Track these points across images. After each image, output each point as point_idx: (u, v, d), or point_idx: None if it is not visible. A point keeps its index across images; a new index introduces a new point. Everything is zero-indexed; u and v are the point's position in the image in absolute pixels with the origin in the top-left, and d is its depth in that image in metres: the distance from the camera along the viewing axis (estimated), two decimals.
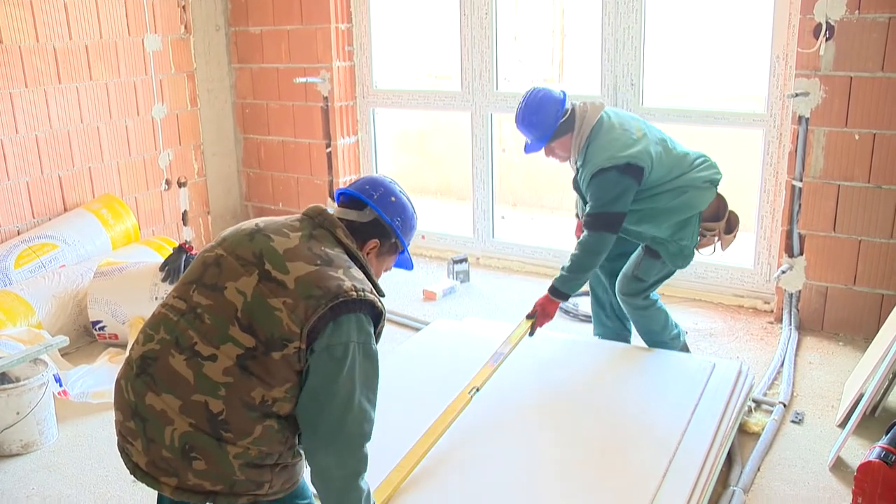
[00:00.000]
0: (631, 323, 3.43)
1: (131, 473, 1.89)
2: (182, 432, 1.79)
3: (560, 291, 3.13)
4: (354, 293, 1.85)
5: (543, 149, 3.19)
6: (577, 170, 3.22)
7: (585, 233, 3.12)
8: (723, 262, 4.26)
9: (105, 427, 3.10)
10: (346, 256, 1.96)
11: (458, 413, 2.66)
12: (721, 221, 3.25)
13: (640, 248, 3.30)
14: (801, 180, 3.76)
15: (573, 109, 3.15)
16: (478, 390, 2.77)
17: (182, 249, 3.95)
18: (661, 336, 3.31)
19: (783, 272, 3.89)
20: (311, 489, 2.06)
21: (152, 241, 4.52)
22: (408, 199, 2.15)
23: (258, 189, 5.62)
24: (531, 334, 3.16)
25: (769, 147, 3.99)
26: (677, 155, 3.19)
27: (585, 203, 3.17)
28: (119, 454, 1.93)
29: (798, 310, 3.91)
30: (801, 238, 3.84)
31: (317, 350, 1.82)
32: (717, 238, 3.29)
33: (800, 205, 3.79)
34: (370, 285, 1.93)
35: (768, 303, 4.13)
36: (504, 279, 4.75)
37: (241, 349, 1.81)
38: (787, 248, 3.89)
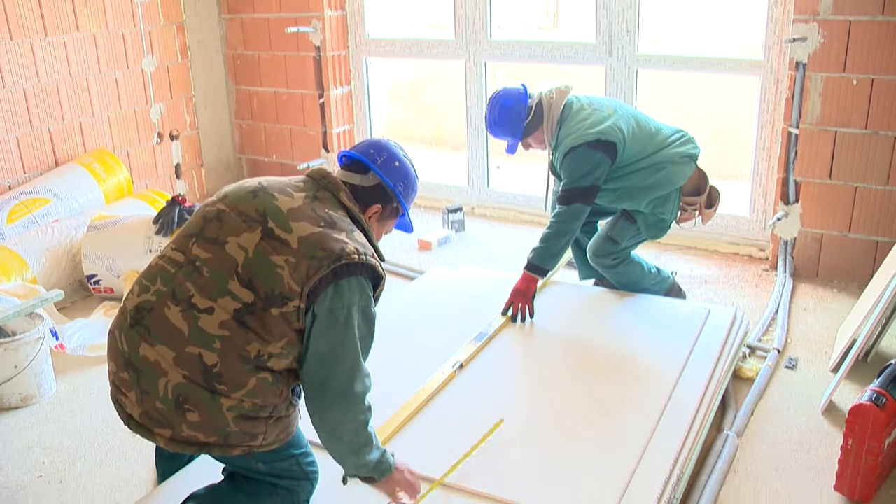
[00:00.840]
0: None
1: (125, 424, 1.90)
2: (175, 384, 1.79)
3: (538, 267, 3.12)
4: (356, 256, 1.86)
5: (522, 144, 3.28)
6: (552, 154, 3.26)
7: (558, 207, 3.13)
8: (719, 210, 4.24)
9: (102, 379, 3.08)
10: (348, 220, 1.97)
11: (441, 388, 2.65)
12: (702, 196, 3.24)
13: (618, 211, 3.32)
14: (797, 127, 3.74)
15: (539, 102, 3.19)
16: (462, 366, 2.77)
17: (175, 202, 3.93)
18: (642, 284, 3.33)
19: (778, 219, 3.88)
20: (309, 438, 2.08)
21: (145, 195, 4.50)
22: (411, 163, 2.17)
23: (251, 141, 5.58)
24: (514, 320, 3.09)
25: (766, 94, 3.95)
26: (651, 131, 3.19)
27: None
28: (113, 405, 1.94)
29: (793, 257, 3.92)
30: (797, 185, 3.82)
31: (319, 314, 1.83)
32: (697, 212, 3.29)
33: (796, 152, 3.77)
34: (371, 249, 1.94)
35: (763, 250, 4.13)
36: (499, 228, 4.74)
37: (240, 304, 1.81)
38: (782, 195, 3.88)
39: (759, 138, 4.04)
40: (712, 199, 3.30)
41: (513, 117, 3.18)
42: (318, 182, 2.02)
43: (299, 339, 1.86)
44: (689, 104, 4.92)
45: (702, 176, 3.26)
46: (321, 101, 5.15)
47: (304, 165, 5.15)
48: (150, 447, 2.56)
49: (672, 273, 3.51)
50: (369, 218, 2.08)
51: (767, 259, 4.07)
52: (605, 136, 3.04)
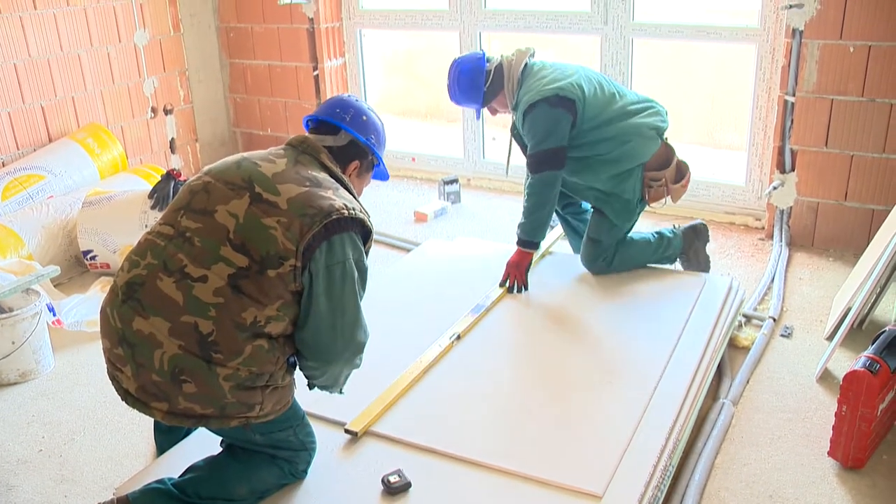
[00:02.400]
0: None
1: (122, 400, 1.91)
2: (171, 355, 1.80)
3: (528, 241, 3.10)
4: (346, 211, 1.90)
5: (488, 110, 3.26)
6: (513, 115, 3.21)
7: (529, 177, 3.07)
8: (714, 180, 4.25)
9: (100, 354, 3.06)
10: (332, 179, 2.01)
11: (438, 359, 2.66)
12: (668, 169, 3.13)
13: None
14: (793, 95, 3.72)
15: (499, 65, 3.14)
16: (459, 337, 2.78)
17: (170, 176, 3.91)
18: (650, 260, 3.28)
19: (774, 188, 3.88)
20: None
21: (140, 170, 4.47)
22: (375, 114, 2.22)
23: (246, 115, 5.54)
24: (511, 291, 3.10)
25: (762, 62, 3.93)
26: (614, 95, 3.11)
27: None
28: (110, 382, 1.95)
29: (789, 226, 3.92)
30: (793, 154, 3.81)
31: (315, 272, 1.86)
32: (665, 189, 3.17)
33: (792, 120, 3.76)
34: (358, 204, 1.99)
35: (759, 219, 4.13)
36: (495, 199, 4.73)
37: (234, 268, 1.83)
38: (778, 164, 3.87)
39: (755, 107, 4.02)
40: (681, 173, 3.20)
41: (472, 83, 3.15)
42: (298, 147, 2.07)
43: (294, 300, 1.89)
44: (685, 73, 4.90)
45: (668, 150, 3.16)
46: (315, 73, 5.12)
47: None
48: (148, 421, 2.58)
49: (675, 227, 3.37)
50: (349, 176, 2.13)
51: (763, 228, 4.07)
52: (563, 91, 2.97)
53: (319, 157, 2.05)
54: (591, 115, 3.03)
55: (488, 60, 3.17)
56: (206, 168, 2.03)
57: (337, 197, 1.93)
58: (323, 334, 1.91)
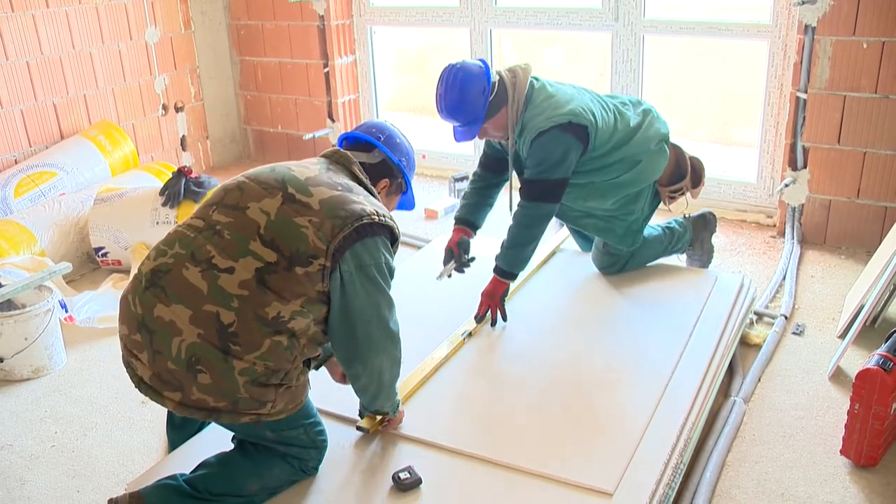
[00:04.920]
0: None
1: (136, 387, 1.94)
2: (189, 343, 1.82)
3: (507, 272, 2.83)
4: (377, 217, 1.98)
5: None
6: (515, 143, 2.87)
7: (521, 203, 2.80)
8: (725, 177, 4.23)
9: (112, 351, 3.13)
10: (362, 189, 2.09)
11: (449, 356, 2.66)
12: (686, 179, 3.03)
13: None
14: (805, 92, 3.69)
15: (500, 80, 2.78)
16: (470, 335, 2.78)
17: (181, 173, 3.93)
18: (662, 256, 3.25)
19: (786, 186, 3.86)
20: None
21: (151, 167, 4.49)
22: (408, 140, 2.31)
23: (256, 112, 5.55)
24: (493, 324, 2.84)
25: (774, 58, 3.91)
26: (616, 115, 2.89)
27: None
28: (125, 369, 1.96)
29: (801, 224, 3.90)
30: (805, 151, 3.79)
31: (348, 273, 1.92)
32: (686, 193, 3.08)
33: (804, 117, 3.73)
34: (388, 211, 2.06)
35: (771, 217, 4.11)
36: (505, 196, 4.69)
37: (262, 263, 1.86)
38: (790, 161, 3.85)
39: (767, 104, 4.00)
40: (698, 175, 3.08)
41: (475, 93, 2.71)
42: (331, 158, 2.15)
43: (319, 299, 1.92)
44: (696, 70, 4.88)
45: (677, 154, 3.03)
46: (326, 70, 5.12)
47: (309, 136, 5.14)
48: (160, 417, 2.59)
49: (684, 217, 3.30)
50: (379, 193, 2.20)
51: (775, 226, 4.05)
52: (577, 118, 2.72)
53: (351, 167, 2.13)
54: (601, 141, 2.83)
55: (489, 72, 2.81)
56: (242, 174, 2.11)
57: (368, 202, 2.00)
58: (361, 332, 1.97)
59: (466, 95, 2.72)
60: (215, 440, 2.20)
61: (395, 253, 2.09)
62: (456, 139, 2.85)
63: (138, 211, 3.84)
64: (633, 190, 2.97)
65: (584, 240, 3.41)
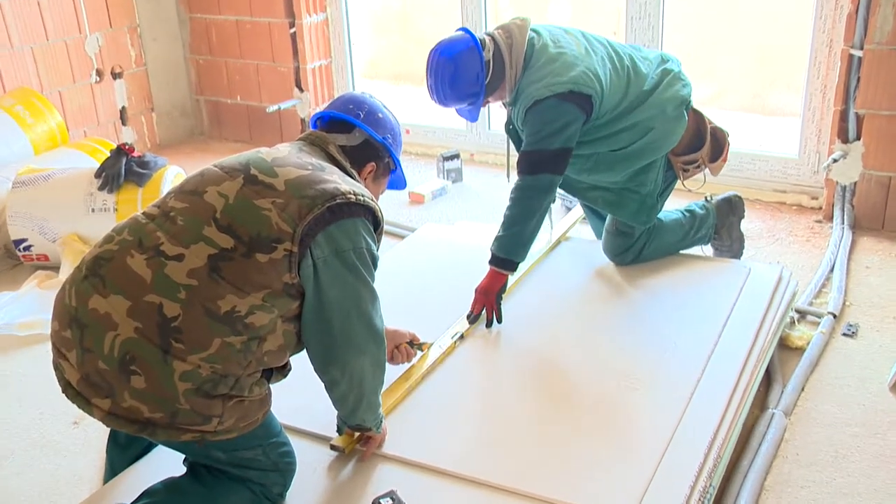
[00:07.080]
0: None
1: (63, 392, 1.94)
2: (125, 339, 1.82)
3: (506, 260, 2.84)
4: (353, 196, 1.99)
5: None
6: (510, 109, 2.96)
7: (519, 178, 2.85)
8: (761, 152, 4.23)
9: (37, 363, 3.10)
10: (340, 171, 2.11)
11: (439, 362, 2.67)
12: (703, 148, 3.05)
13: None
14: (861, 48, 3.68)
15: (496, 50, 2.84)
16: (462, 337, 2.79)
17: (121, 152, 3.90)
18: (683, 244, 3.27)
19: (835, 161, 3.85)
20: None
21: (84, 144, 4.47)
22: (391, 112, 2.33)
23: (211, 79, 5.54)
24: (488, 325, 2.86)
25: (822, 8, 3.88)
26: (630, 74, 2.92)
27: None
28: (54, 373, 1.97)
29: (852, 206, 3.90)
30: (859, 119, 3.78)
31: (322, 259, 1.94)
32: (703, 167, 3.10)
33: (858, 78, 3.72)
34: (368, 193, 2.07)
35: (816, 198, 4.11)
36: (501, 177, 4.69)
37: (216, 249, 1.88)
38: (840, 132, 3.84)
39: (813, 65, 3.99)
40: (719, 146, 3.09)
41: (470, 77, 2.82)
42: (305, 140, 2.18)
43: (286, 291, 1.93)
44: (727, 25, 4.87)
45: (698, 121, 3.06)
46: (292, 31, 5.11)
47: (273, 108, 5.13)
48: (97, 441, 2.57)
49: (707, 199, 3.33)
50: (364, 180, 2.23)
51: (821, 209, 4.06)
52: (578, 86, 2.75)
53: (327, 147, 2.15)
54: (608, 107, 2.87)
55: (481, 45, 2.84)
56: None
57: (343, 181, 2.01)
58: (340, 327, 1.97)
59: (460, 83, 2.85)
60: (163, 463, 2.18)
61: (379, 240, 2.10)
62: (467, 118, 3.03)
63: (69, 196, 3.81)
64: (643, 162, 3.01)
65: (598, 220, 3.41)
